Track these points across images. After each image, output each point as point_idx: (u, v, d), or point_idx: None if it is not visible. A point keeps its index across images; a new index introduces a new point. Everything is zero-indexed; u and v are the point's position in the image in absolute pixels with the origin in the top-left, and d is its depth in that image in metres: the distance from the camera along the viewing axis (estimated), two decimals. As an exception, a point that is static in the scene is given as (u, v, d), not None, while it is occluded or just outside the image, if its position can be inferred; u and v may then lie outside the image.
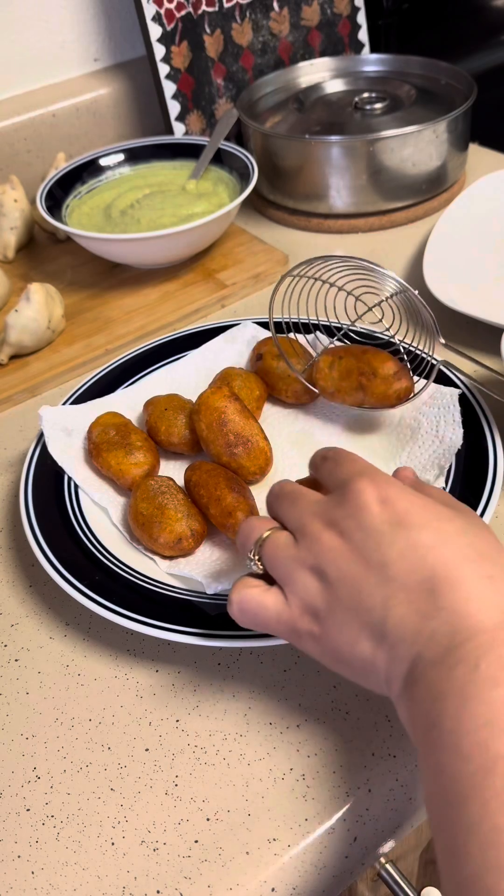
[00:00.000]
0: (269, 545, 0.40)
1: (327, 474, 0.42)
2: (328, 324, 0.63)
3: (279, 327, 0.64)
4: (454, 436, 0.53)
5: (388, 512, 0.37)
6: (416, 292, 0.52)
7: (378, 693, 0.38)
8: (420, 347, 0.59)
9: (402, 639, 0.35)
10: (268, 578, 0.41)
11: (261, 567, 0.41)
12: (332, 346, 0.59)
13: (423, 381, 0.56)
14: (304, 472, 0.55)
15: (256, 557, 0.41)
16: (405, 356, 0.57)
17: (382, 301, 0.54)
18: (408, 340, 0.60)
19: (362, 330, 0.62)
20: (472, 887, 0.29)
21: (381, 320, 0.59)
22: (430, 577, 0.35)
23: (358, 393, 0.55)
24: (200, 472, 0.52)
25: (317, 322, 0.64)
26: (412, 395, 0.55)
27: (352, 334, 0.62)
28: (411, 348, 0.59)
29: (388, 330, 0.59)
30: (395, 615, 0.35)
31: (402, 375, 0.54)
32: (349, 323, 0.62)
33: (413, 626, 0.35)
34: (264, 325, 0.65)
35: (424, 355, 0.57)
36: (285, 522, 0.41)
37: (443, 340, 0.56)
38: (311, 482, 0.46)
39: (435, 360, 0.56)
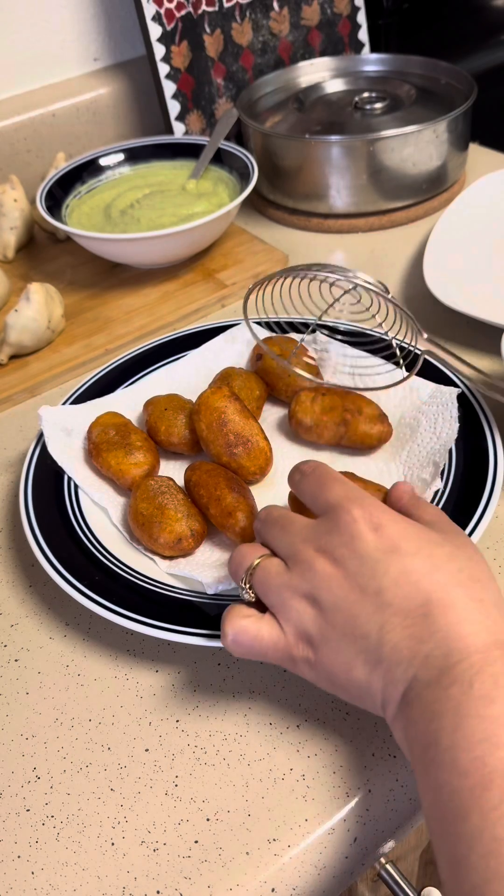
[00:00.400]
0: (261, 572, 0.41)
1: (310, 497, 0.42)
2: (308, 321, 0.64)
3: (271, 328, 0.64)
4: (450, 431, 0.53)
5: (381, 539, 0.38)
6: (390, 295, 0.52)
7: (373, 714, 0.38)
8: (406, 341, 0.59)
9: (398, 663, 0.36)
10: (260, 605, 0.41)
11: (253, 595, 0.41)
12: (315, 383, 0.59)
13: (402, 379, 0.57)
14: (304, 472, 0.55)
15: (248, 585, 0.41)
16: (393, 345, 0.58)
17: (356, 287, 0.54)
18: (393, 331, 0.60)
19: (348, 327, 0.62)
20: None
21: (359, 301, 0.59)
22: (424, 602, 0.36)
23: (339, 428, 0.55)
24: (200, 472, 0.52)
25: (301, 320, 0.64)
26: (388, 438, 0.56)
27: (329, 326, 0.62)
28: (395, 340, 0.59)
29: (372, 316, 0.60)
30: (391, 640, 0.36)
31: (385, 419, 0.55)
32: (326, 315, 0.62)
33: (408, 651, 0.36)
34: (262, 325, 0.65)
35: (411, 347, 0.58)
36: (276, 549, 0.42)
37: (425, 335, 0.56)
38: (296, 499, 0.45)
39: (418, 350, 0.56)
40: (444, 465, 0.51)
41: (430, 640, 0.35)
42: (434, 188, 0.83)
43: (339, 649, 0.37)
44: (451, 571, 0.37)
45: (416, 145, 0.78)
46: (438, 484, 0.50)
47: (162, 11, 0.82)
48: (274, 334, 0.63)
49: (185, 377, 0.63)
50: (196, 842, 0.39)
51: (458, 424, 0.53)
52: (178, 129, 0.87)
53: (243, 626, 0.40)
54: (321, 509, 0.41)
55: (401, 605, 0.36)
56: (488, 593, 0.37)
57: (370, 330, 0.62)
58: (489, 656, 0.34)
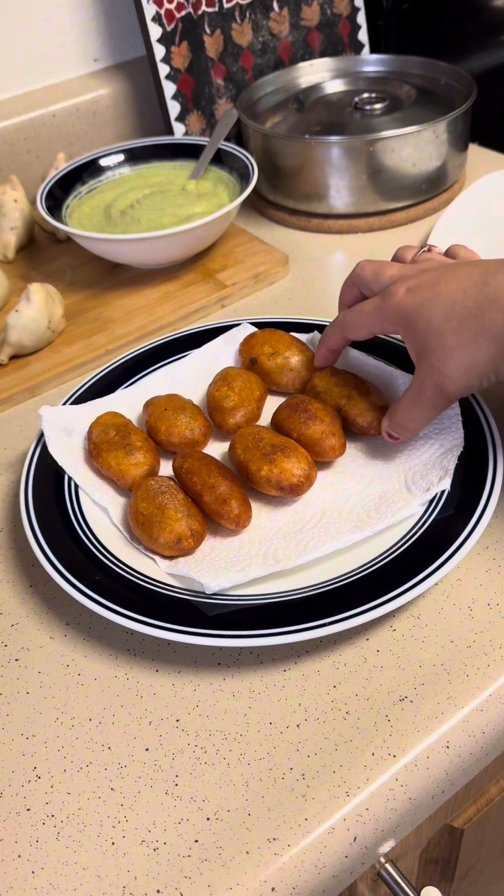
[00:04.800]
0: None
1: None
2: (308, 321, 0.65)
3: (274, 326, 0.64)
4: (456, 436, 0.53)
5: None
6: None
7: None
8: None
9: None
10: None
11: None
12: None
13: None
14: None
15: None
16: None
17: None
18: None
19: None
20: None
21: None
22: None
23: (342, 400, 0.56)
24: (192, 461, 0.52)
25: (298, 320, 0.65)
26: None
27: None
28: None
29: None
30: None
31: (383, 415, 0.56)
32: None
33: None
34: (262, 325, 0.65)
35: None
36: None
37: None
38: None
39: None
40: (453, 468, 0.51)
41: None
42: (434, 188, 0.83)
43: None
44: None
45: (415, 146, 0.78)
46: (447, 485, 0.50)
47: (162, 12, 0.82)
48: (261, 329, 0.63)
49: (185, 377, 0.63)
50: (196, 841, 0.39)
51: (462, 430, 0.53)
52: (179, 129, 0.87)
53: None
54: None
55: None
56: None
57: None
58: None
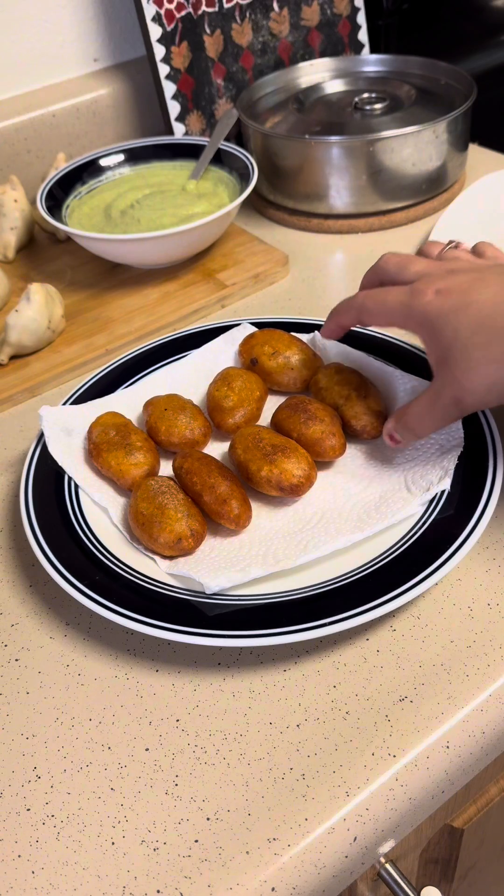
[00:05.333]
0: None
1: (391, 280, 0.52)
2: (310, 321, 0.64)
3: (275, 326, 0.64)
4: (456, 436, 0.53)
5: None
6: None
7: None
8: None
9: None
10: None
11: None
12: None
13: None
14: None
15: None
16: None
17: None
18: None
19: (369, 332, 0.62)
20: None
21: None
22: None
23: (340, 399, 0.56)
24: (192, 460, 0.52)
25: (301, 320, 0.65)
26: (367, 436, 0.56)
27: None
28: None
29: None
30: None
31: (379, 418, 0.56)
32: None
33: None
34: (262, 325, 0.65)
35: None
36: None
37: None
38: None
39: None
40: (453, 468, 0.51)
41: None
42: (434, 188, 0.83)
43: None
44: None
45: (415, 146, 0.78)
46: (447, 485, 0.50)
47: (162, 12, 0.82)
48: (260, 329, 0.63)
49: (185, 377, 0.63)
50: (196, 841, 0.39)
51: (462, 430, 0.53)
52: (179, 129, 0.87)
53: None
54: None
55: None
56: None
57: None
58: None
